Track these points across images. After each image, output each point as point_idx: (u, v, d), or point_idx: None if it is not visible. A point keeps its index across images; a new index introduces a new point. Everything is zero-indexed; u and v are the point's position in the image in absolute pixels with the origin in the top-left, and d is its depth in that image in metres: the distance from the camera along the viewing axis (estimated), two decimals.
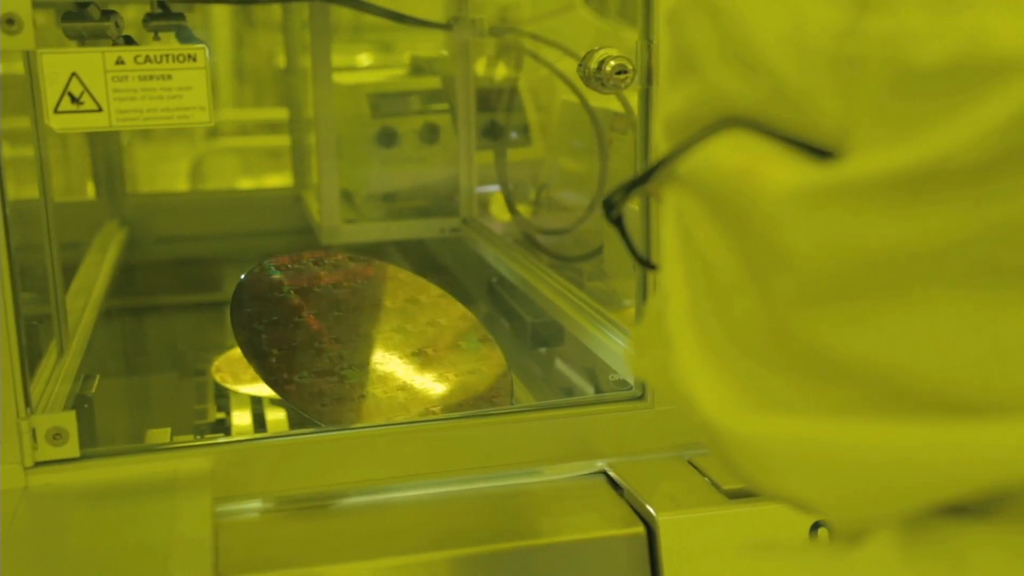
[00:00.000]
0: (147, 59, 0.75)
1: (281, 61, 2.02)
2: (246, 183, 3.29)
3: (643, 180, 0.41)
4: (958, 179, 0.29)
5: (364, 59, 2.30)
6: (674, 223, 0.39)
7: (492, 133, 1.51)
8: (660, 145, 0.41)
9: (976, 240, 0.29)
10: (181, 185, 3.02)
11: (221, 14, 3.71)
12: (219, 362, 1.20)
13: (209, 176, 3.08)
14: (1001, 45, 0.28)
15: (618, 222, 0.43)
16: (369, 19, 1.45)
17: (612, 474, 0.87)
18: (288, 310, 1.06)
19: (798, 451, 0.34)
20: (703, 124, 0.37)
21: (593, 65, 0.83)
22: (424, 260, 1.56)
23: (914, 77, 0.30)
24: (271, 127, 3.00)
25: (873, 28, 0.31)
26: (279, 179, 2.58)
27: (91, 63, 0.73)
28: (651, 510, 0.80)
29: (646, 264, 0.48)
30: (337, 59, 1.52)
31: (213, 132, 3.30)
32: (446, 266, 1.58)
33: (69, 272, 1.30)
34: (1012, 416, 0.30)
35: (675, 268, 0.39)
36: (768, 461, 0.35)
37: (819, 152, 0.33)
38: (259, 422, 1.09)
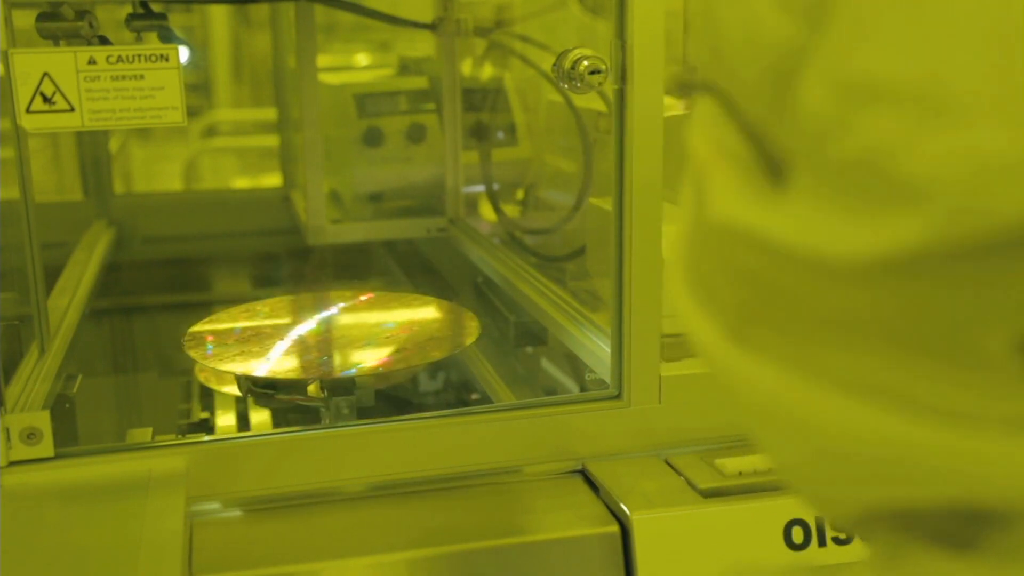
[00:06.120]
0: (119, 59, 0.75)
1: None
2: (240, 183, 3.29)
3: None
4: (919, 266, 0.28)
5: (351, 59, 2.30)
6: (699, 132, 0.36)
7: (479, 133, 1.51)
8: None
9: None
10: (176, 184, 3.02)
11: (219, 15, 3.71)
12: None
13: (204, 176, 3.08)
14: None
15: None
16: (358, 19, 1.44)
17: (589, 473, 0.87)
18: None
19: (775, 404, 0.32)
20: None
21: (567, 65, 0.83)
22: (410, 260, 1.56)
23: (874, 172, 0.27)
24: (266, 127, 3.00)
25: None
26: (270, 179, 2.58)
27: (63, 63, 0.73)
28: (626, 509, 0.80)
29: None
30: (324, 59, 1.52)
31: (209, 132, 3.31)
32: (432, 266, 1.58)
33: (55, 272, 1.30)
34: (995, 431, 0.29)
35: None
36: (747, 405, 0.34)
37: (769, 159, 0.31)
38: (243, 422, 1.09)
